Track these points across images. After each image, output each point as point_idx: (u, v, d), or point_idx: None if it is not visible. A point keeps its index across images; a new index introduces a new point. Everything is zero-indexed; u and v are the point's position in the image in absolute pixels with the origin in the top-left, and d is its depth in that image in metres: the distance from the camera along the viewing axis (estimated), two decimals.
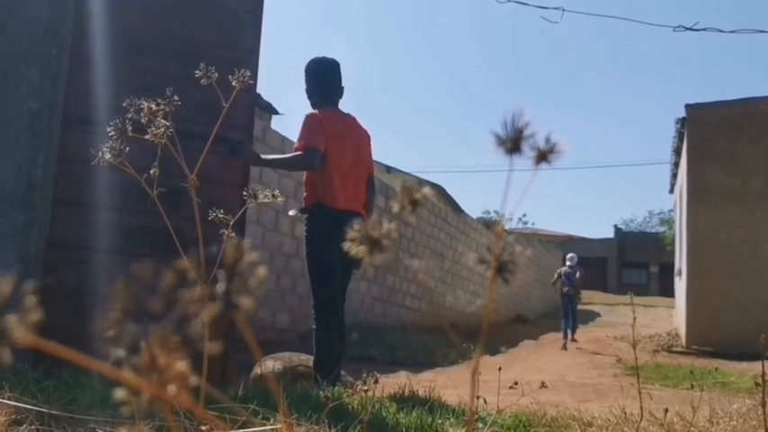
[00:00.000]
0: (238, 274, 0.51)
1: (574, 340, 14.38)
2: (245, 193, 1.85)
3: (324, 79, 4.44)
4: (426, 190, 0.67)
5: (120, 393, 0.50)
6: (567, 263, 15.35)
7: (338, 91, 4.48)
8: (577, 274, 14.96)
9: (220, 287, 0.51)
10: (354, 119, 4.50)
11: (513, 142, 0.60)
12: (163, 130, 1.63)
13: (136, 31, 4.05)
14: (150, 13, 4.10)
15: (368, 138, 4.56)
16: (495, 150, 0.61)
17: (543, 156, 0.60)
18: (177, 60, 3.92)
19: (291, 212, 4.48)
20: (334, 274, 4.18)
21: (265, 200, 1.81)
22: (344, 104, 4.58)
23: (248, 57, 4.04)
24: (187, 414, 2.16)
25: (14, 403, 2.31)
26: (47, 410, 2.31)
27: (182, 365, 0.48)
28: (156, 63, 3.97)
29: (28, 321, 0.50)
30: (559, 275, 15.30)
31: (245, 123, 4.04)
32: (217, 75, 1.83)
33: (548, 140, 0.61)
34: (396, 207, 0.67)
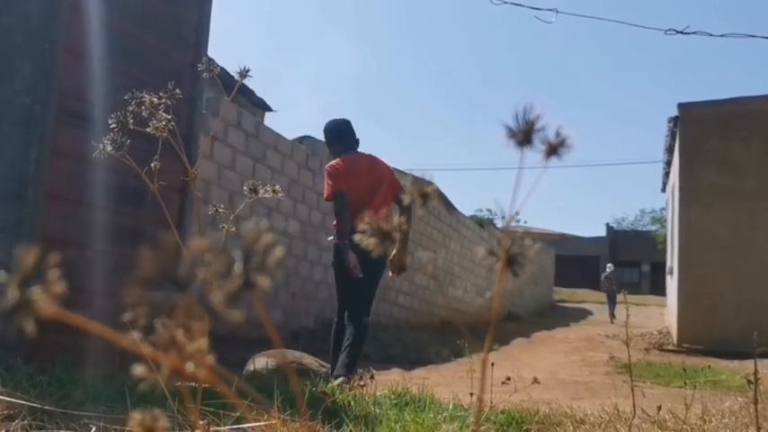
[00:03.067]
0: (255, 254, 0.51)
1: (614, 317, 21.49)
2: (244, 188, 1.85)
3: (339, 136, 5.25)
4: (435, 185, 0.68)
5: (138, 369, 0.50)
6: (607, 270, 23.71)
7: (353, 142, 5.26)
8: (612, 277, 23.20)
9: (238, 267, 0.51)
10: (372, 157, 5.24)
11: (524, 135, 0.60)
12: (164, 123, 1.62)
13: (119, 32, 4.13)
14: (128, 16, 4.22)
15: (387, 170, 5.27)
16: (506, 143, 0.60)
17: (554, 149, 0.60)
18: (138, 64, 4.19)
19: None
20: (340, 292, 5.05)
21: (266, 194, 1.82)
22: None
23: (189, 69, 4.42)
24: (180, 410, 2.16)
25: (7, 399, 2.30)
26: (40, 406, 2.30)
27: (201, 343, 0.49)
28: (127, 66, 4.17)
29: (52, 293, 0.50)
30: (604, 278, 23.73)
31: (185, 132, 4.44)
32: (219, 70, 1.83)
33: (558, 134, 0.60)
34: (406, 200, 0.67)
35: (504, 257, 0.60)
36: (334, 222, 5.04)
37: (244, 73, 1.69)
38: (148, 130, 1.61)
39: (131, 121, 1.69)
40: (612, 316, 21.85)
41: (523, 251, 0.61)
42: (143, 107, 1.62)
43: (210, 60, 1.82)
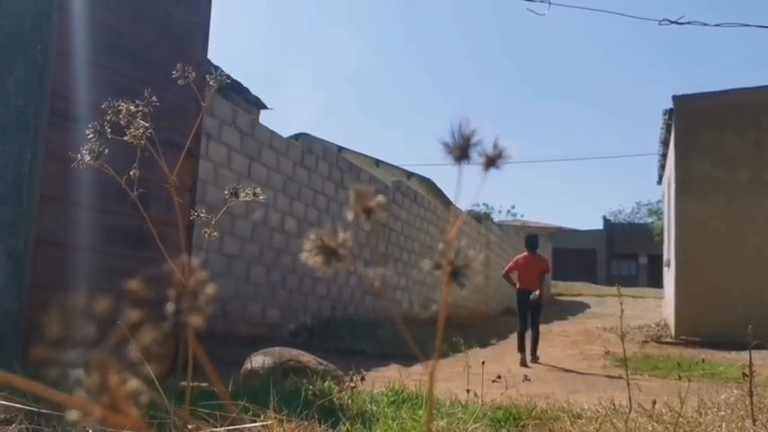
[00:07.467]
0: (189, 293, 0.51)
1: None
2: (226, 192, 1.85)
3: (526, 244, 10.57)
4: (380, 198, 0.68)
5: (72, 415, 0.51)
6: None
7: (532, 248, 10.40)
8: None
9: (170, 307, 0.52)
10: (539, 257, 10.45)
11: (460, 150, 0.63)
12: (142, 131, 1.62)
13: (112, 31, 4.11)
14: (123, 16, 4.21)
15: (544, 263, 10.44)
16: (444, 158, 0.63)
17: (492, 161, 0.63)
18: (142, 65, 4.16)
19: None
20: (521, 315, 10.14)
21: (246, 198, 1.81)
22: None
23: (196, 68, 4.50)
24: (176, 411, 2.16)
25: (4, 402, 2.30)
26: (37, 410, 2.30)
27: (132, 385, 0.49)
28: (127, 65, 4.15)
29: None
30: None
31: (196, 130, 4.80)
32: (194, 75, 1.83)
33: (495, 146, 0.63)
34: (350, 216, 0.67)
35: (447, 270, 0.62)
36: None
37: (219, 79, 1.68)
38: (126, 138, 1.61)
39: (109, 129, 1.68)
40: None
41: (468, 263, 0.63)
42: (120, 115, 1.62)
43: (185, 68, 1.82)
